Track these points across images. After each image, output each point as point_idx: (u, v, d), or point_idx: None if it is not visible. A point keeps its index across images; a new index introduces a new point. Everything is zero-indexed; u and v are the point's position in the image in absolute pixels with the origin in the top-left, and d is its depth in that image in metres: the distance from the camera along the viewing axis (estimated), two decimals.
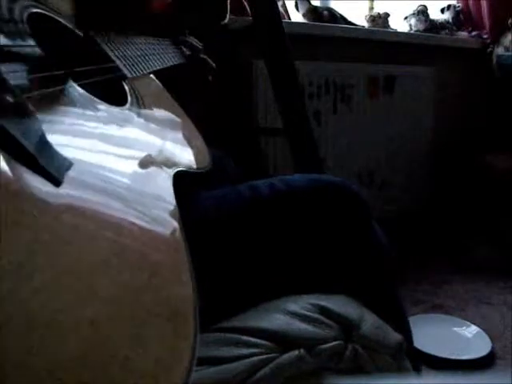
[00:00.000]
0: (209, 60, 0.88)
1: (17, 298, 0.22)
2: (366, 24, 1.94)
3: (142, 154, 0.42)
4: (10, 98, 0.29)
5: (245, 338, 0.46)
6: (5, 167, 0.26)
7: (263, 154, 1.52)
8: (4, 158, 0.27)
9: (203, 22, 0.96)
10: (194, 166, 0.50)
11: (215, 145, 0.66)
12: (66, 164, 0.31)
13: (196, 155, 0.54)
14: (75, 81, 0.43)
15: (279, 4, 1.59)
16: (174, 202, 0.39)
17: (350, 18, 1.85)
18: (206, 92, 0.95)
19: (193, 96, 0.88)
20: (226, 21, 1.02)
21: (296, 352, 0.45)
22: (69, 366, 0.22)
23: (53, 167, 0.29)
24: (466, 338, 1.31)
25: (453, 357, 1.21)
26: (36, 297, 0.23)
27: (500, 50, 2.05)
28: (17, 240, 0.24)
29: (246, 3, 1.37)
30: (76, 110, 0.39)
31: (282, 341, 0.46)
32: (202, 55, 0.87)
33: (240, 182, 0.66)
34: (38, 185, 0.28)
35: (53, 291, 0.24)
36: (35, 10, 0.44)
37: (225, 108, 1.35)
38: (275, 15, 1.14)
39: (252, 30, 1.16)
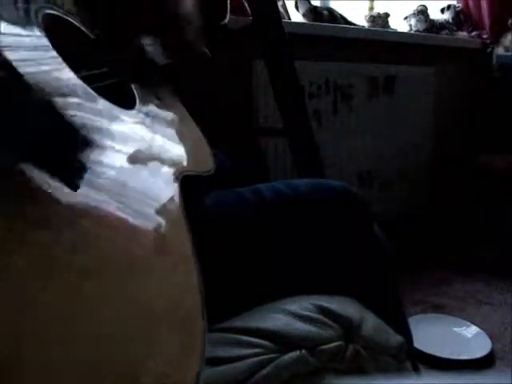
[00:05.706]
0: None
1: (38, 299, 0.22)
2: (366, 24, 1.94)
3: (150, 157, 0.43)
4: (35, 96, 0.29)
5: (246, 338, 0.46)
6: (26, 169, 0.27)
7: (263, 154, 1.51)
8: (24, 157, 0.27)
9: (203, 22, 0.96)
10: (199, 170, 0.50)
11: (215, 145, 0.66)
12: (83, 164, 0.31)
13: (200, 158, 0.54)
14: (86, 82, 0.43)
15: (279, 4, 1.59)
16: (182, 203, 0.39)
17: (350, 18, 1.85)
18: (206, 92, 0.95)
19: (193, 96, 0.88)
20: (226, 21, 1.02)
21: (297, 352, 0.45)
22: (93, 365, 0.23)
23: (71, 168, 0.29)
24: (466, 337, 1.31)
25: (453, 357, 1.21)
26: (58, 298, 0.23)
27: (500, 50, 2.06)
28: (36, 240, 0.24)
29: (245, 3, 1.37)
30: (88, 108, 0.39)
31: (283, 341, 0.46)
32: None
33: (236, 182, 0.66)
34: (58, 185, 0.28)
35: (75, 292, 0.24)
36: (49, 11, 0.45)
37: (225, 108, 1.35)
38: (275, 15, 1.14)
39: (252, 30, 1.16)
